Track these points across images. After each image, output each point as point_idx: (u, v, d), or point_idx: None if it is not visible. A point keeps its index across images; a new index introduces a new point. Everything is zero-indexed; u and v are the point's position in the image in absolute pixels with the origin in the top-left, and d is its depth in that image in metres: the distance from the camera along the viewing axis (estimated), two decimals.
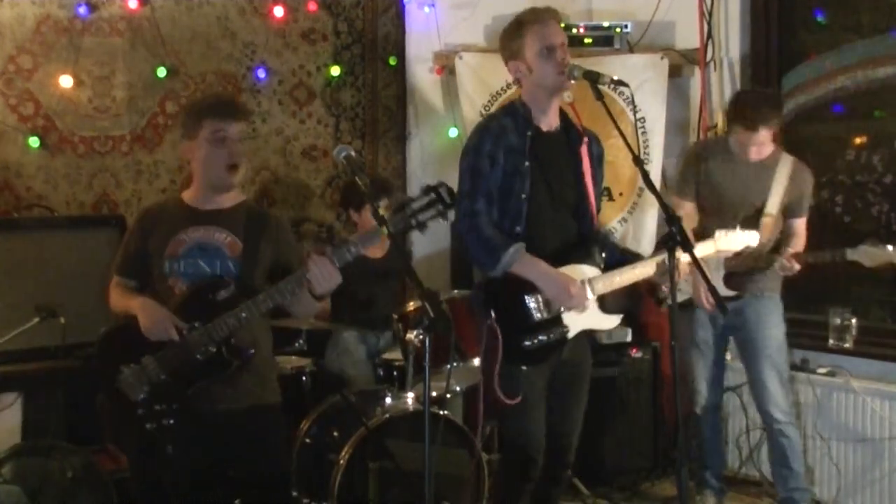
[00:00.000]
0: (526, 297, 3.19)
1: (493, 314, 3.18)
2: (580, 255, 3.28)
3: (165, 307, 2.99)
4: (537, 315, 3.19)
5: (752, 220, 4.02)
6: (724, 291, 4.03)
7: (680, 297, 4.13)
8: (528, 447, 3.26)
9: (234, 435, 3.03)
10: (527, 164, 3.19)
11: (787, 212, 4.13)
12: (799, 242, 4.12)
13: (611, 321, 3.37)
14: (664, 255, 3.11)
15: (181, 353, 2.95)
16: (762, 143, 4.03)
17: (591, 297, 3.25)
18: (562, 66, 3.17)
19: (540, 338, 3.19)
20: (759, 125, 3.95)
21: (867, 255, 3.83)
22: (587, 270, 3.27)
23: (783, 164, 4.10)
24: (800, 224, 4.16)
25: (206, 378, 2.97)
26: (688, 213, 4.24)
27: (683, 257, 2.93)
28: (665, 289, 4.06)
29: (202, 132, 3.05)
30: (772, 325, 4.16)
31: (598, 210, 3.45)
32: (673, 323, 2.84)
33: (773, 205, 4.07)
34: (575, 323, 3.24)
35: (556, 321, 3.22)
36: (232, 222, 3.10)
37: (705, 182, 4.17)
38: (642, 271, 3.26)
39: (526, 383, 3.20)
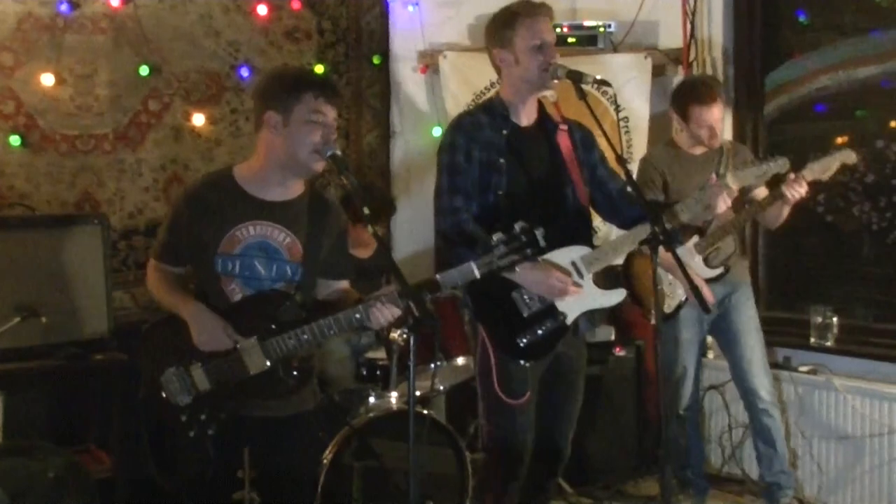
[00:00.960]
0: (512, 293, 3.17)
1: (479, 319, 3.17)
2: (568, 238, 3.20)
3: (216, 311, 2.79)
4: (526, 310, 3.16)
5: None
6: (707, 273, 4.05)
7: (673, 304, 4.15)
8: (515, 445, 3.24)
9: (275, 441, 2.89)
10: (502, 160, 3.18)
11: (746, 188, 4.12)
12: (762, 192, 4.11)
13: (614, 296, 3.26)
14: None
15: (234, 367, 2.77)
16: (717, 120, 4.06)
17: (585, 277, 3.19)
18: (547, 65, 3.17)
19: (537, 332, 3.16)
20: (717, 96, 4.02)
21: (817, 169, 3.83)
22: (573, 251, 3.20)
23: (724, 147, 4.18)
24: (760, 190, 4.15)
25: (258, 394, 2.80)
26: None
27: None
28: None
29: (297, 108, 2.78)
30: (749, 309, 4.26)
31: (615, 186, 3.35)
32: (658, 323, 2.85)
33: (761, 188, 4.08)
34: (572, 307, 3.18)
35: (549, 311, 3.17)
36: (294, 219, 2.87)
37: (664, 183, 4.19)
38: (635, 237, 3.18)
39: (517, 380, 3.18)
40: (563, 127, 3.34)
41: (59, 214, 4.50)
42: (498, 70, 3.30)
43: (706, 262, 4.09)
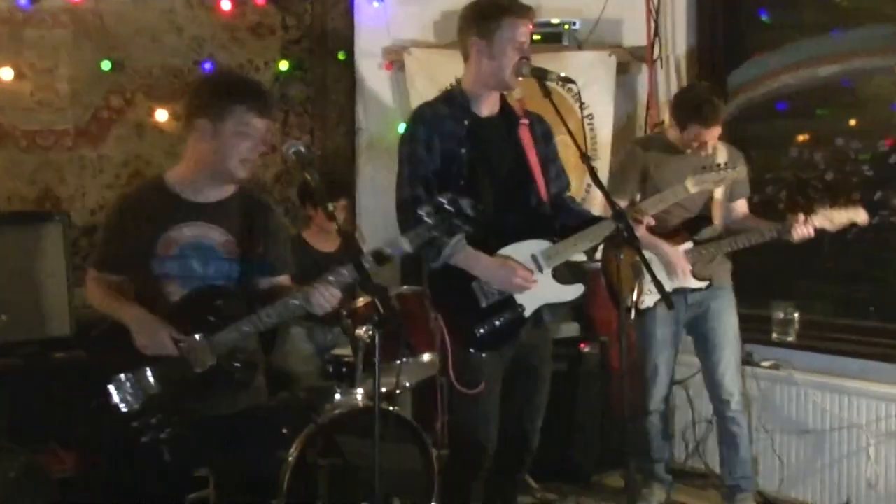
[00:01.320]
0: (472, 283, 3.17)
1: (438, 309, 3.18)
2: (528, 232, 3.22)
3: (156, 314, 2.81)
4: (485, 300, 3.16)
5: (700, 210, 4.10)
6: (692, 283, 4.10)
7: (652, 300, 4.16)
8: (479, 437, 3.23)
9: (228, 439, 2.90)
10: (463, 150, 3.17)
11: (730, 195, 4.23)
12: (749, 220, 4.24)
13: (572, 291, 3.27)
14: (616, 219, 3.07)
15: (179, 366, 2.79)
16: (713, 138, 4.06)
17: (544, 271, 3.21)
18: (520, 68, 3.17)
19: (494, 322, 3.16)
20: (719, 118, 4.00)
21: (828, 217, 3.91)
22: (533, 245, 3.22)
23: (720, 151, 4.13)
24: (741, 205, 4.27)
25: (206, 391, 2.82)
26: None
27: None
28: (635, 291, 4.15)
29: (228, 119, 2.82)
30: (730, 316, 4.24)
31: (564, 183, 3.41)
32: (622, 318, 2.87)
33: (719, 190, 4.11)
34: (531, 300, 3.19)
35: (507, 303, 3.18)
36: (227, 217, 2.91)
37: (645, 179, 4.19)
38: (597, 233, 3.20)
39: (481, 370, 3.18)
40: (525, 121, 3.34)
41: (18, 211, 4.45)
42: (466, 57, 3.26)
43: (693, 271, 4.10)
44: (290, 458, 3.62)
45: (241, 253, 2.89)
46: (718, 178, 3.65)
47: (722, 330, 4.22)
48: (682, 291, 4.15)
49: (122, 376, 2.81)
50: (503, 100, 3.35)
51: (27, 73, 4.51)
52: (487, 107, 3.28)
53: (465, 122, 3.21)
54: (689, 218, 4.16)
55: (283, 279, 3.07)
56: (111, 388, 2.81)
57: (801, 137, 4.74)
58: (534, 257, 3.21)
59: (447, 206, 2.69)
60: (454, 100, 3.25)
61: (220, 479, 3.06)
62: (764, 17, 4.97)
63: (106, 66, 4.66)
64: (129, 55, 4.74)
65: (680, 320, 4.26)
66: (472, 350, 3.15)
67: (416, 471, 3.84)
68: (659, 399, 4.36)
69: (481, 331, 3.15)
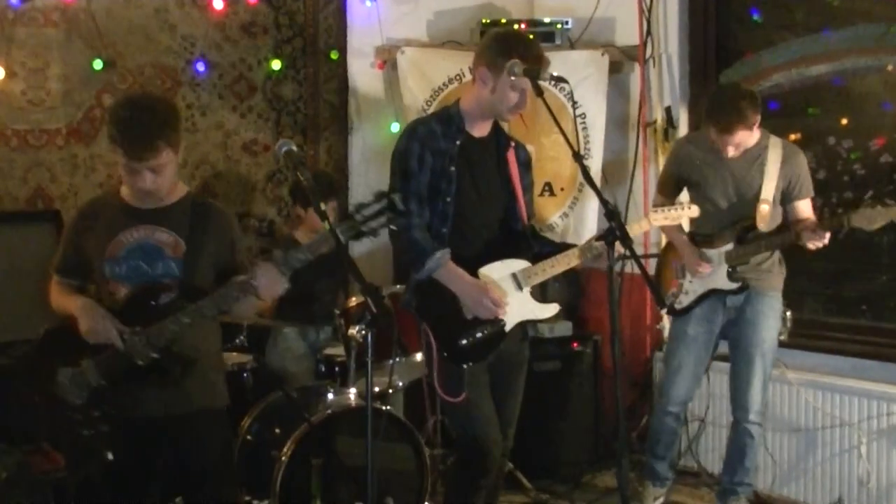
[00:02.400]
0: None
1: (423, 318, 3.24)
2: (509, 251, 3.32)
3: (107, 310, 2.89)
4: (469, 312, 3.22)
5: (745, 212, 4.02)
6: (726, 284, 4.06)
7: (687, 300, 4.17)
8: (481, 442, 3.28)
9: (176, 440, 2.97)
10: (453, 168, 3.25)
11: (787, 196, 4.06)
12: (809, 223, 3.97)
13: (548, 310, 3.39)
14: (591, 242, 3.24)
15: (121, 359, 2.86)
16: (739, 143, 3.94)
17: (524, 290, 3.31)
18: (518, 108, 3.26)
19: (476, 335, 3.23)
20: (737, 128, 3.88)
21: (865, 218, 3.73)
22: (514, 264, 3.32)
23: (773, 150, 4.03)
24: (804, 205, 4.07)
25: (146, 384, 2.89)
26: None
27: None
28: (674, 290, 4.16)
29: (120, 159, 2.87)
30: (769, 326, 4.13)
31: (532, 210, 3.51)
32: (613, 316, 2.86)
33: (768, 190, 4.00)
34: (512, 316, 3.28)
35: None
36: (174, 220, 2.99)
37: (688, 178, 4.17)
38: (574, 258, 3.30)
39: (470, 379, 3.23)
40: (513, 144, 3.44)
41: (10, 211, 4.43)
42: (473, 79, 3.34)
43: (730, 273, 4.05)
44: (284, 458, 3.62)
45: (187, 251, 2.96)
46: (675, 216, 3.50)
47: (755, 338, 4.12)
48: (720, 294, 4.11)
49: (68, 369, 2.90)
50: (496, 122, 3.42)
51: (18, 72, 4.49)
52: (481, 128, 3.36)
53: (458, 142, 3.28)
54: (737, 220, 4.07)
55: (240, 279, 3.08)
56: (58, 378, 2.90)
57: (792, 136, 4.74)
58: (514, 276, 3.31)
59: (380, 200, 2.73)
60: (450, 119, 3.32)
61: (178, 481, 3.08)
62: (755, 17, 4.98)
63: (98, 65, 4.65)
64: (120, 54, 4.72)
65: (717, 323, 4.20)
66: (457, 361, 3.22)
67: (408, 470, 3.85)
68: (679, 400, 4.30)
69: (464, 342, 3.22)
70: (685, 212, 3.54)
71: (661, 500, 4.46)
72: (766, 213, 4.01)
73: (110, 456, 2.85)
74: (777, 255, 4.16)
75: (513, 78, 3.16)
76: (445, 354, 3.21)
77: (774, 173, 4.01)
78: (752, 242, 4.02)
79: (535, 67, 3.11)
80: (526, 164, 3.49)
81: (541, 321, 3.48)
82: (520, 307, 3.30)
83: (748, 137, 3.96)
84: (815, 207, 4.16)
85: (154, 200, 2.99)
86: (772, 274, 4.13)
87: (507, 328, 3.28)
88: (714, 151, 4.07)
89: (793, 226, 4.03)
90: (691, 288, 4.16)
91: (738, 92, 4.00)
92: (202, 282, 2.97)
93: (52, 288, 3.10)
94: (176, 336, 2.87)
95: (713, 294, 4.11)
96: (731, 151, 3.98)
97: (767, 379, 4.18)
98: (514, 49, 3.17)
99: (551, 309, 3.40)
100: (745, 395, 4.14)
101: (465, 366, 3.22)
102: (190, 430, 2.98)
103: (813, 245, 3.84)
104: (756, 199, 4.02)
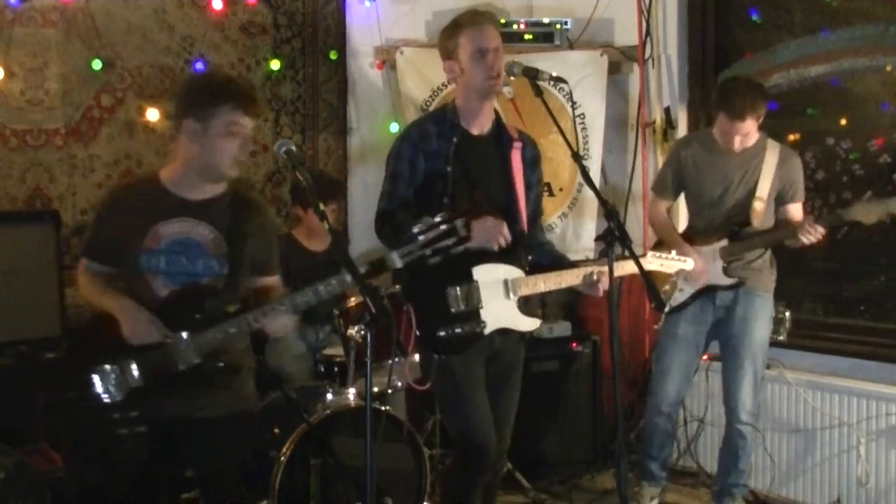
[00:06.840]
0: (448, 287, 3.24)
1: (410, 299, 3.22)
2: (503, 254, 3.30)
3: (144, 307, 2.81)
4: (454, 306, 3.24)
5: (740, 209, 4.05)
6: (722, 280, 4.06)
7: (682, 297, 4.16)
8: (476, 438, 3.28)
9: (206, 442, 2.92)
10: (448, 168, 3.25)
11: (780, 198, 4.10)
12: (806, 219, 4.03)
13: (529, 323, 3.39)
14: (592, 268, 3.26)
15: (164, 363, 2.79)
16: (747, 134, 3.97)
17: (511, 298, 3.31)
18: (491, 71, 3.22)
19: (455, 329, 3.23)
20: (748, 115, 3.90)
21: (862, 211, 3.79)
22: (509, 270, 3.32)
23: (770, 151, 4.07)
24: (795, 209, 4.12)
25: (187, 390, 2.83)
26: (659, 210, 4.28)
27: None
28: (667, 288, 4.12)
29: (215, 119, 2.83)
30: (759, 327, 4.15)
31: (538, 212, 3.50)
32: (612, 316, 2.87)
33: (764, 188, 4.03)
34: (493, 320, 3.28)
35: (472, 315, 3.27)
36: (216, 216, 2.92)
37: (685, 176, 4.18)
38: (568, 279, 3.32)
39: (461, 373, 3.25)
40: (518, 143, 3.40)
41: (8, 211, 4.42)
42: (453, 81, 3.36)
43: (725, 269, 4.06)
44: (283, 458, 3.62)
45: (229, 251, 2.90)
46: (670, 265, 3.57)
47: (746, 339, 4.13)
48: (712, 291, 4.12)
49: (108, 366, 2.81)
50: (497, 120, 3.39)
51: (17, 72, 4.48)
52: (479, 125, 3.34)
53: (454, 140, 3.27)
54: (731, 218, 4.09)
55: (271, 279, 3.09)
56: (94, 377, 2.81)
57: (791, 137, 4.75)
58: (506, 282, 3.31)
59: (441, 226, 2.71)
60: (445, 117, 3.32)
61: (200, 481, 3.08)
62: (754, 17, 4.98)
63: (96, 65, 4.64)
64: (119, 54, 4.72)
65: (707, 322, 4.21)
66: (431, 350, 3.25)
67: (408, 470, 3.85)
68: (670, 400, 4.29)
69: (442, 334, 3.23)
70: (681, 264, 3.59)
71: (656, 501, 4.46)
72: (761, 211, 4.04)
73: (146, 454, 2.81)
74: (768, 255, 4.17)
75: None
76: (422, 339, 3.20)
77: (770, 173, 4.05)
78: (748, 238, 4.04)
79: None
80: (532, 161, 3.45)
81: (520, 332, 3.44)
82: (504, 313, 3.31)
83: (755, 129, 3.99)
84: (812, 208, 4.17)
85: (200, 189, 2.92)
86: (762, 273, 4.15)
87: (486, 331, 3.28)
88: (714, 150, 4.09)
89: (786, 224, 4.05)
90: (686, 285, 4.16)
91: (749, 81, 4.10)
92: (242, 281, 2.94)
93: (81, 275, 2.99)
94: (222, 345, 2.82)
95: (707, 291, 4.12)
96: (738, 143, 4.00)
97: (759, 380, 4.18)
98: (455, 27, 3.25)
99: (532, 323, 3.40)
100: (737, 397, 4.15)
101: (436, 356, 3.23)
102: (220, 432, 2.92)
103: (808, 240, 3.87)
104: (751, 196, 4.05)
